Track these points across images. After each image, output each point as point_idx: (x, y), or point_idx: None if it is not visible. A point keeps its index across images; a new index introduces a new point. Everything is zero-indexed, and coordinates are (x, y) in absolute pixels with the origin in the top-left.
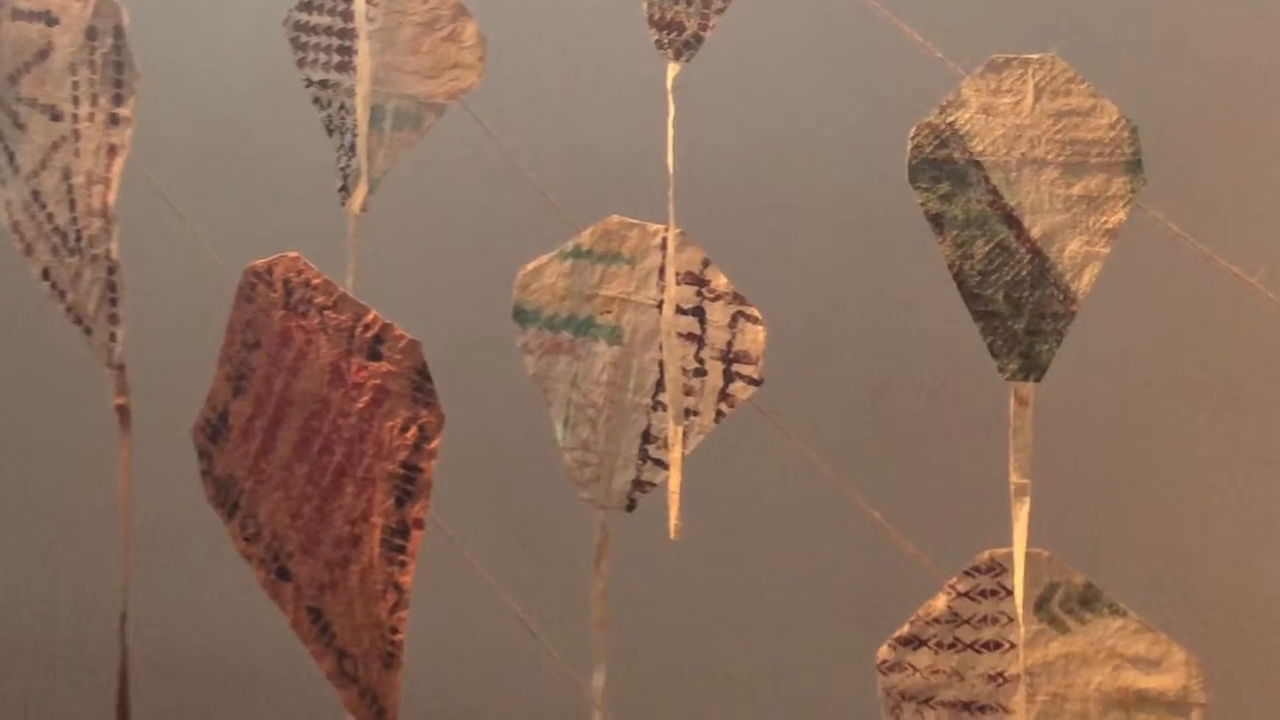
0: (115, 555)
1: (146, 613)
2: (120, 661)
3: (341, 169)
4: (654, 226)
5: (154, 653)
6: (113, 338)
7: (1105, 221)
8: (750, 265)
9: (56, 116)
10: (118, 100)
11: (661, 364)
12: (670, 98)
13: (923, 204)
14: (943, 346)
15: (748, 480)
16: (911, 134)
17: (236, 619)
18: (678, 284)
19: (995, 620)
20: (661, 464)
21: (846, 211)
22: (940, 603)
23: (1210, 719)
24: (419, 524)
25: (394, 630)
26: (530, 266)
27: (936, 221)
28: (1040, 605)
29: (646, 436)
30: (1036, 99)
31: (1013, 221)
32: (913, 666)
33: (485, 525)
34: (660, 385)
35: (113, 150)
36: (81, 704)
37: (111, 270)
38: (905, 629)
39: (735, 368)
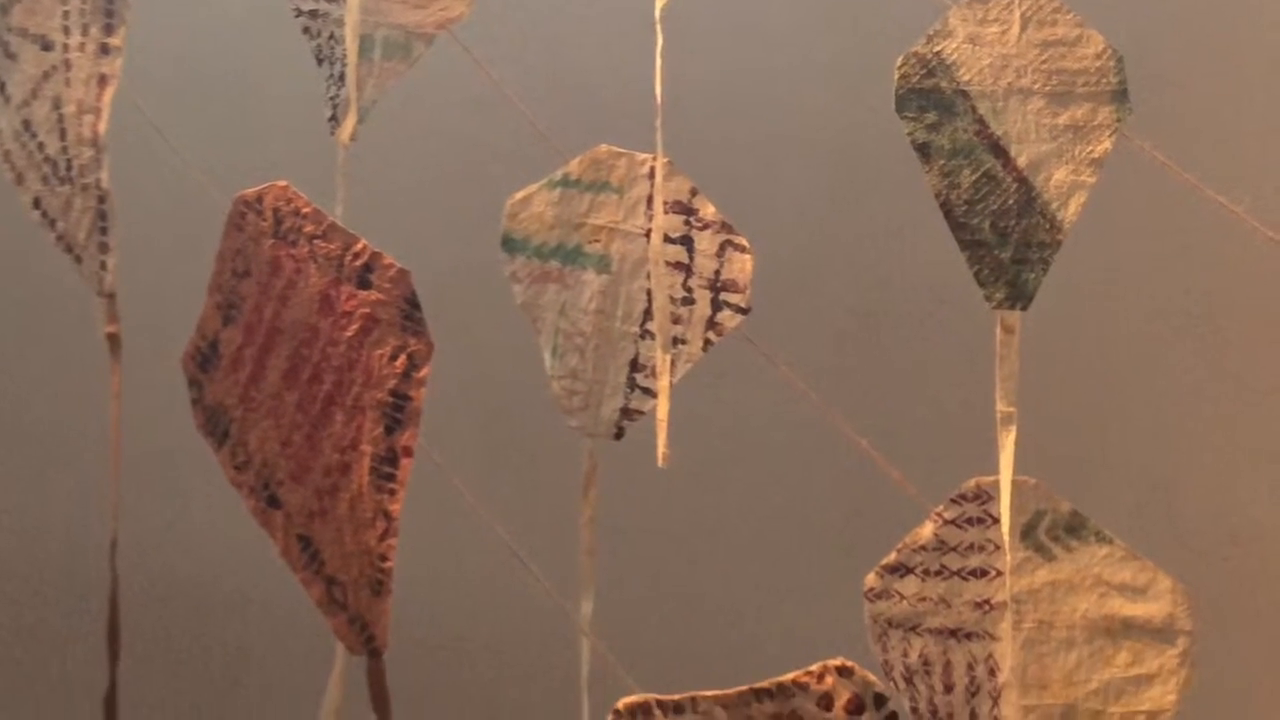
0: (105, 483)
1: (137, 540)
2: (111, 588)
3: (331, 98)
4: (642, 156)
5: (144, 580)
6: (103, 266)
7: (1091, 151)
8: (738, 194)
9: (47, 46)
10: (108, 30)
11: (649, 292)
12: (658, 28)
13: (909, 134)
14: (929, 275)
15: (735, 408)
16: (898, 64)
17: (226, 546)
18: (665, 213)
19: (982, 548)
20: (649, 392)
21: (834, 141)
22: (927, 530)
23: (1196, 646)
24: (408, 452)
25: (383, 558)
26: (519, 196)
27: (923, 151)
28: (1026, 533)
29: (634, 365)
30: (1023, 28)
31: (999, 151)
32: (900, 594)
33: (474, 453)
34: (648, 314)
35: (103, 80)
36: (72, 631)
37: (102, 199)
38: (892, 557)
39: (723, 296)
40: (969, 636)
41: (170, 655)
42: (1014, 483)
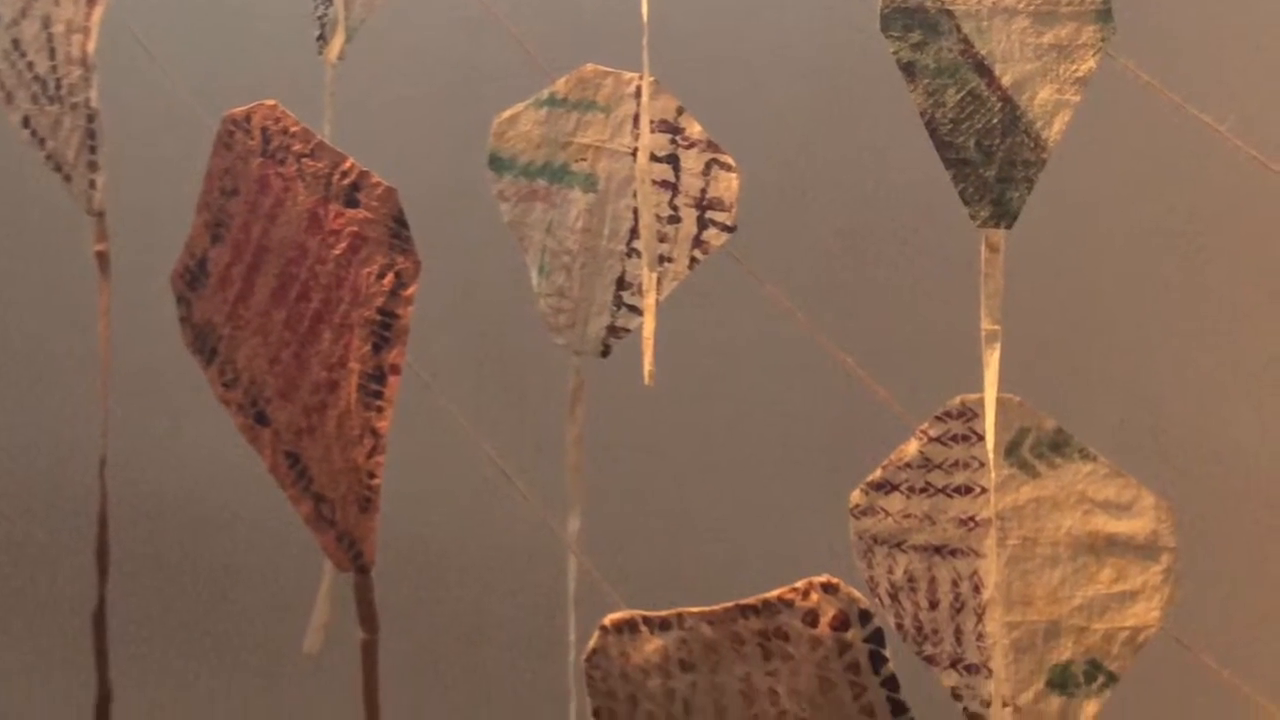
0: (94, 401)
1: (125, 457)
2: (100, 506)
3: (319, 17)
4: (628, 75)
5: (133, 497)
6: (92, 185)
7: (1075, 70)
8: (724, 113)
9: None
10: None
11: (635, 211)
12: None
13: (894, 53)
14: (914, 194)
15: (721, 326)
16: None
17: (215, 464)
18: (652, 132)
19: (966, 465)
20: (636, 310)
21: (819, 60)
22: (912, 448)
23: (1179, 562)
24: (396, 369)
25: (371, 475)
26: (506, 115)
27: (908, 70)
28: (1011, 450)
29: (621, 283)
30: None
31: (984, 70)
32: (885, 511)
33: (461, 371)
34: (634, 232)
35: None
36: (61, 548)
37: (91, 118)
38: (877, 474)
39: (709, 214)
40: (954, 553)
41: (159, 572)
42: (998, 400)
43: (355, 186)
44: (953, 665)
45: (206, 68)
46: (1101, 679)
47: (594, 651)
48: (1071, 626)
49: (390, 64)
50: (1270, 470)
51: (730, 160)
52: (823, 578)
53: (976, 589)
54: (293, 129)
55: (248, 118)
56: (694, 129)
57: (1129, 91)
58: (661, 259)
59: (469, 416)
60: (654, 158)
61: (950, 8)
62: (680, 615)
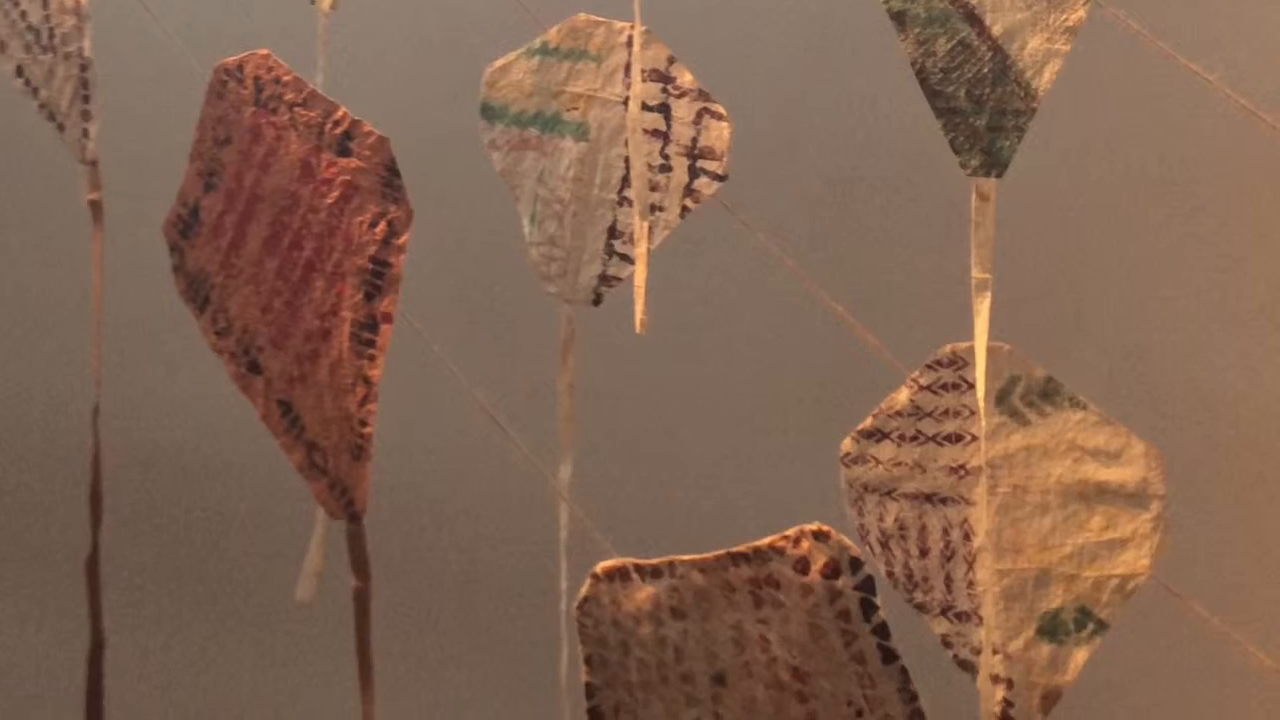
0: (88, 349)
1: (118, 406)
2: (93, 454)
3: None
4: (620, 24)
5: (126, 445)
6: (85, 134)
7: (1065, 19)
8: (715, 62)
9: None
10: None
11: (627, 160)
12: None
13: (885, 2)
14: (905, 143)
15: (712, 275)
16: None
17: (207, 412)
18: (643, 81)
19: (957, 413)
20: (627, 259)
21: (810, 9)
22: (902, 396)
23: (1169, 510)
24: (388, 318)
25: (363, 423)
26: (498, 64)
27: (899, 19)
28: (1001, 398)
29: (612, 232)
30: None
31: (974, 19)
32: (875, 459)
33: (453, 319)
34: (626, 181)
35: None
36: (54, 496)
37: (84, 68)
38: (868, 422)
39: (700, 164)
40: (944, 501)
41: (152, 519)
42: (989, 348)
43: (348, 135)
44: (943, 613)
45: (199, 17)
46: (1091, 626)
47: (585, 599)
48: (1061, 574)
49: (383, 13)
50: (1259, 418)
51: (721, 109)
52: (814, 525)
53: (967, 537)
54: (285, 78)
55: (240, 67)
56: (685, 78)
57: (1119, 41)
58: (653, 208)
59: (461, 365)
60: (645, 107)
61: None
62: (671, 563)
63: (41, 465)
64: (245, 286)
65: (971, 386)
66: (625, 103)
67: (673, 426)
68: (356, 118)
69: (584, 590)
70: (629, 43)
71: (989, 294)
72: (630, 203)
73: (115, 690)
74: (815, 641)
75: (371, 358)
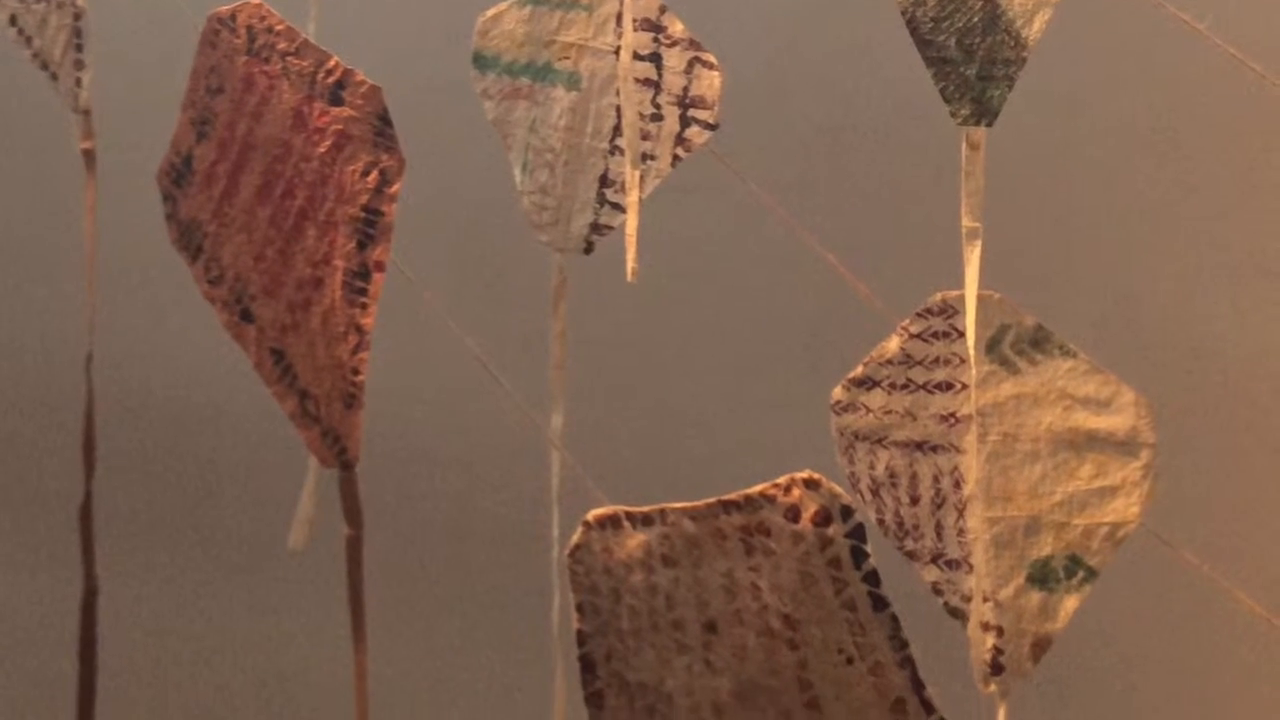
0: (81, 297)
1: (112, 354)
2: (86, 402)
3: None
4: None
5: (119, 393)
6: (79, 83)
7: None
8: (706, 11)
9: None
10: None
11: (618, 109)
12: None
13: None
14: (896, 92)
15: (703, 224)
16: None
17: (200, 360)
18: (635, 30)
19: (947, 361)
20: (618, 207)
21: None
22: (893, 344)
23: (1158, 458)
24: (380, 267)
25: (355, 371)
26: (489, 13)
27: None
28: (991, 347)
29: (604, 180)
30: None
31: None
32: (866, 407)
33: (445, 268)
34: (617, 130)
35: None
36: (48, 443)
37: (78, 16)
38: (859, 370)
39: (691, 113)
40: (935, 449)
41: (145, 468)
42: (979, 297)
43: (340, 85)
44: (933, 560)
45: None
46: (1081, 574)
47: (577, 547)
48: (1051, 522)
49: None
50: (1248, 366)
51: (712, 59)
52: (804, 473)
53: (957, 485)
54: (278, 27)
55: (233, 16)
56: (676, 27)
57: None
58: (644, 157)
59: (453, 313)
60: (637, 56)
61: None
62: (663, 510)
63: (34, 413)
64: (238, 235)
65: (962, 335)
66: (617, 52)
67: (664, 375)
68: (349, 67)
69: (575, 538)
70: None
71: (979, 242)
72: (622, 151)
73: (108, 637)
74: (806, 589)
75: (364, 306)
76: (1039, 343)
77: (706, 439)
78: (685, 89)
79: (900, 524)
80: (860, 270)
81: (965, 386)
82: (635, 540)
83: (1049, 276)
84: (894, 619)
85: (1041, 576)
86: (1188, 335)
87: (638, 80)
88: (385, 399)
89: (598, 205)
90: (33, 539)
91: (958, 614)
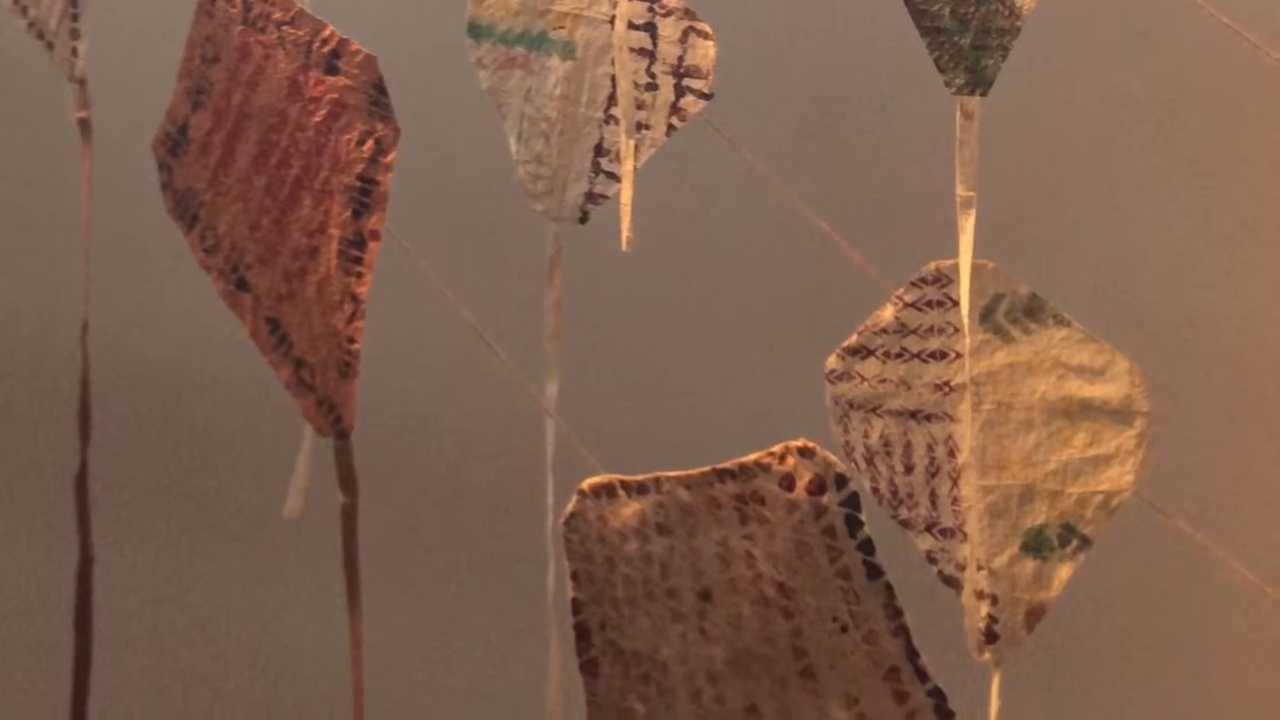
0: (76, 267)
1: (107, 323)
2: (82, 371)
3: None
4: None
5: (115, 361)
6: (74, 53)
7: None
8: None
9: None
10: None
11: (613, 78)
12: None
13: None
14: (890, 61)
15: (698, 193)
16: None
17: (196, 329)
18: (629, 0)
19: (941, 330)
20: (613, 177)
21: None
22: (887, 313)
23: (1152, 427)
24: (375, 236)
25: (350, 340)
26: None
27: None
28: (986, 316)
29: (599, 150)
30: None
31: None
32: (860, 376)
33: (440, 237)
34: (612, 99)
35: None
36: (44, 411)
37: None
38: (853, 339)
39: (686, 82)
40: (929, 418)
41: (140, 436)
42: (973, 266)
43: (335, 54)
44: (928, 529)
45: None
46: (1075, 543)
47: (572, 515)
48: (1045, 491)
49: None
50: (1242, 334)
51: (707, 28)
52: (799, 442)
53: (951, 453)
54: None
55: None
56: None
57: None
58: (639, 126)
59: (448, 282)
60: (631, 25)
61: None
62: (657, 479)
63: (31, 381)
64: (233, 204)
65: (956, 304)
66: (611, 21)
67: (659, 344)
68: (344, 36)
69: (570, 506)
70: None
71: (973, 211)
72: (617, 121)
73: (104, 606)
74: (800, 557)
75: (359, 275)
76: (1033, 311)
77: (701, 407)
78: (680, 58)
79: (894, 492)
80: (855, 239)
81: (959, 355)
82: (630, 509)
83: (1043, 246)
84: (888, 587)
85: (1036, 545)
86: (1182, 304)
87: (633, 49)
88: (381, 368)
89: (593, 174)
90: (28, 508)
91: (952, 582)
